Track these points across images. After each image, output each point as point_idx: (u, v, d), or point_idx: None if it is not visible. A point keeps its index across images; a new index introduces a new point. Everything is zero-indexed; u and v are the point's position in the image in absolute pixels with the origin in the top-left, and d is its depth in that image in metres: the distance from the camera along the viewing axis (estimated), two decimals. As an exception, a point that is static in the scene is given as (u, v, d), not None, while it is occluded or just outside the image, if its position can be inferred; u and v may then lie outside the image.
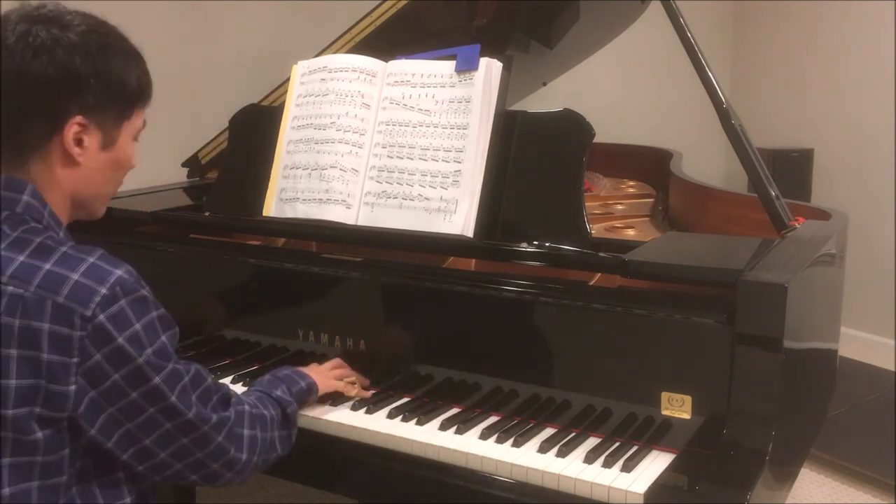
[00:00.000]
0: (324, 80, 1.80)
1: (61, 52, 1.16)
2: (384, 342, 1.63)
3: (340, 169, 1.73)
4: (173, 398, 1.16)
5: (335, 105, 1.77)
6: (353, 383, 1.58)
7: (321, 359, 1.67)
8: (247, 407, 1.31)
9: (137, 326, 1.12)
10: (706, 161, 4.27)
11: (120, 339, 1.10)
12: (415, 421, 1.49)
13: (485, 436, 1.44)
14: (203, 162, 2.35)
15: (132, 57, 1.25)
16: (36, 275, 1.10)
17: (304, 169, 1.76)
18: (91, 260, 1.12)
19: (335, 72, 1.80)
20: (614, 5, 2.47)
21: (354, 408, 1.55)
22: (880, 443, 3.05)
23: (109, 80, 1.21)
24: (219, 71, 3.01)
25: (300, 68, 1.86)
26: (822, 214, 1.98)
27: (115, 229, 1.85)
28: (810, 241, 1.64)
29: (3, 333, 1.08)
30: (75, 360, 1.08)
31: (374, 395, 1.60)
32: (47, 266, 1.10)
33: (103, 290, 1.10)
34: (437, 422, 1.49)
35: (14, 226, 1.15)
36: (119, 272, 1.12)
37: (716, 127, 1.75)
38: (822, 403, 1.87)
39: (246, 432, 1.28)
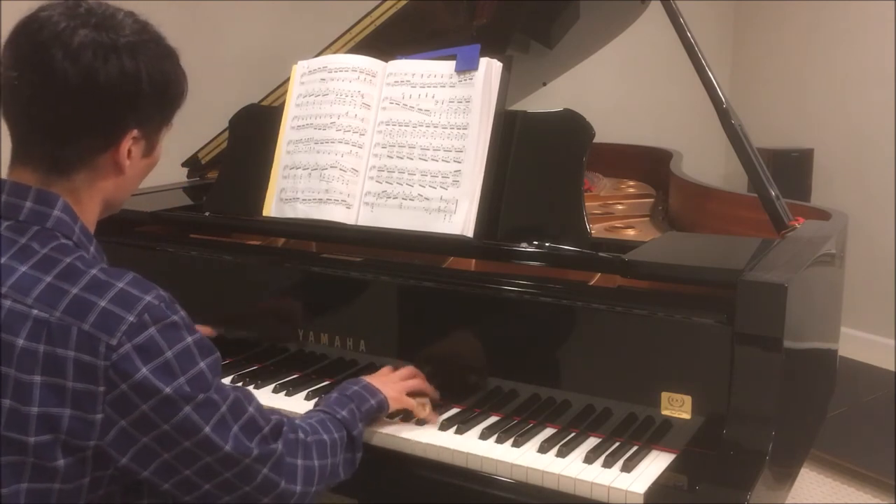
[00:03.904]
0: (324, 80, 1.80)
1: (126, 58, 1.09)
2: (384, 342, 1.63)
3: (340, 169, 1.73)
4: (207, 429, 1.08)
5: (335, 105, 1.76)
6: (424, 403, 1.49)
7: (320, 359, 1.67)
8: (301, 434, 1.23)
9: (169, 355, 1.05)
10: (706, 161, 4.27)
11: (145, 370, 1.03)
12: (414, 421, 1.49)
13: (485, 436, 1.44)
14: (203, 162, 2.35)
15: (175, 59, 1.19)
16: (62, 299, 1.03)
17: (304, 169, 1.76)
18: (120, 285, 1.05)
19: (335, 72, 1.80)
20: (614, 5, 2.47)
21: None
22: (880, 443, 3.05)
23: (164, 87, 1.15)
24: (219, 71, 3.01)
25: (300, 68, 1.86)
26: (822, 214, 1.98)
27: (115, 229, 1.83)
28: (810, 242, 1.63)
29: (26, 359, 1.02)
30: (101, 388, 1.02)
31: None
32: (75, 291, 1.04)
33: (130, 318, 1.03)
34: (436, 422, 1.49)
35: (43, 242, 1.08)
36: (148, 298, 1.06)
37: (716, 127, 1.75)
38: (822, 403, 1.87)
39: (300, 462, 1.20)
